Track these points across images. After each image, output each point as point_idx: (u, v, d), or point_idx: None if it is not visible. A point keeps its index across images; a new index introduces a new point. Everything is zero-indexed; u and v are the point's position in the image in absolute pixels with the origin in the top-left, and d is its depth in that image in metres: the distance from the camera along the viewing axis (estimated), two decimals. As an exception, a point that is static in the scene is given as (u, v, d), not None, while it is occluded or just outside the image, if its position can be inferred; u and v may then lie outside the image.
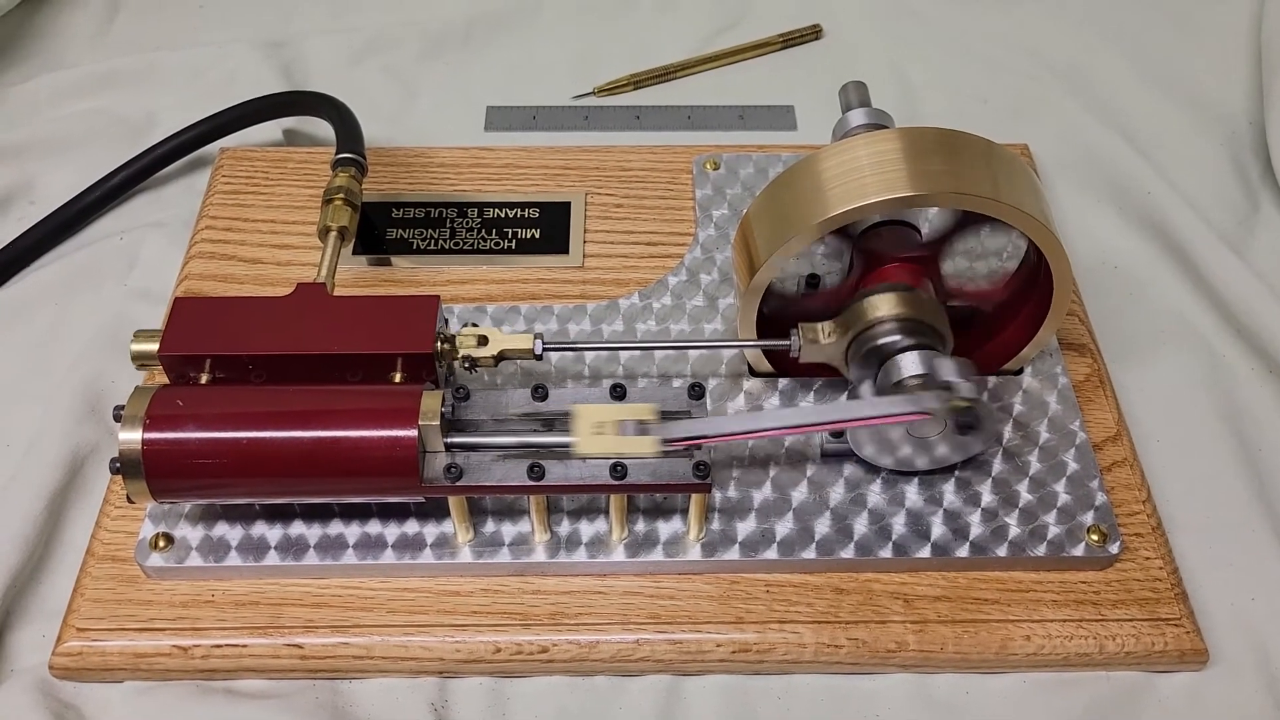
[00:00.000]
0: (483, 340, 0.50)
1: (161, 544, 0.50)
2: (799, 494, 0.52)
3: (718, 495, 0.51)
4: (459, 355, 0.50)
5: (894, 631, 0.49)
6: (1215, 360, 0.61)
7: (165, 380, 0.49)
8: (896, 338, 0.49)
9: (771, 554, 0.50)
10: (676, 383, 0.55)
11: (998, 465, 0.53)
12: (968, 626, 0.49)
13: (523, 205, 0.64)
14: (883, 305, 0.49)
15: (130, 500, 0.47)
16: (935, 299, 0.51)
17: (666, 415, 0.48)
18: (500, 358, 0.51)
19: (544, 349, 0.51)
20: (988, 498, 0.52)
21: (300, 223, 0.63)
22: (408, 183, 0.65)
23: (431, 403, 0.46)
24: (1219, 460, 0.57)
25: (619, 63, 0.77)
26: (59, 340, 0.61)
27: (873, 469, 0.52)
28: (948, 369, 0.47)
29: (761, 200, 0.50)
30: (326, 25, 0.80)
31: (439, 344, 0.49)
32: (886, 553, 0.50)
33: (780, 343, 0.51)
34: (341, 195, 0.57)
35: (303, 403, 0.47)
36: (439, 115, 0.74)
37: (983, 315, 0.55)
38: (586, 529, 0.50)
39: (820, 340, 0.51)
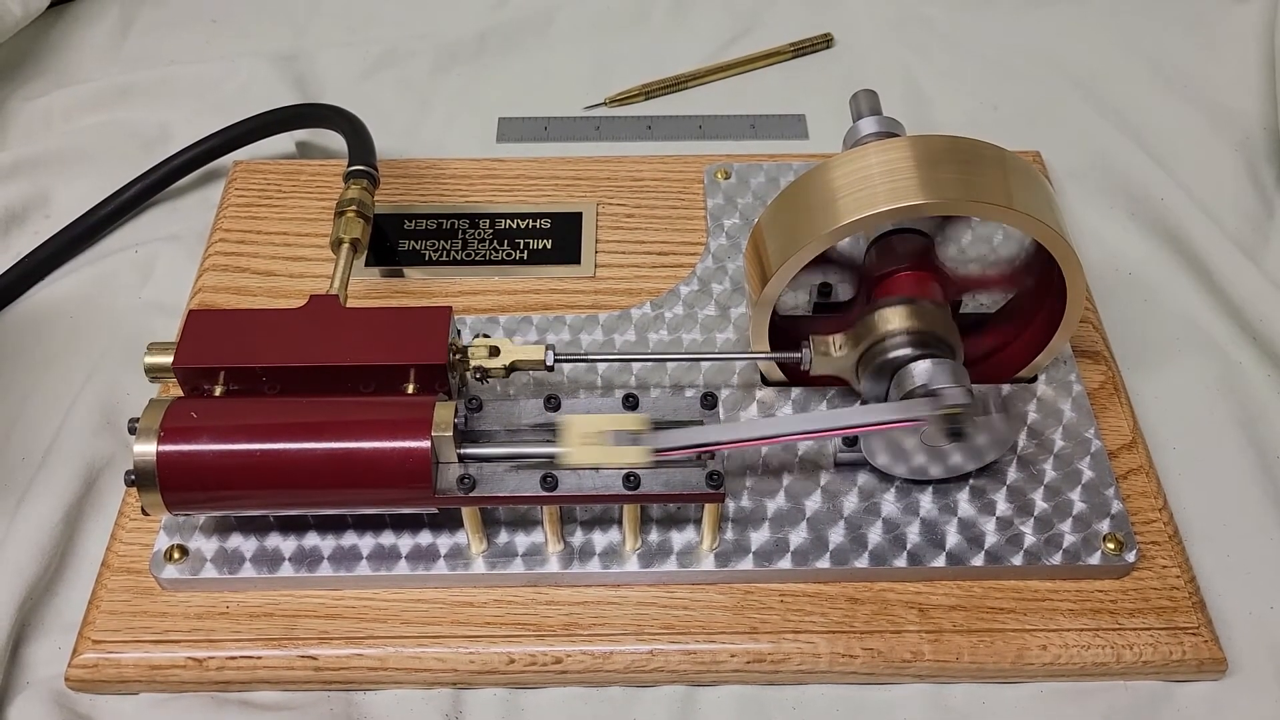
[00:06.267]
0: (494, 351, 0.50)
1: (176, 556, 0.50)
2: (813, 503, 0.51)
3: (731, 505, 0.51)
4: (470, 366, 0.50)
5: (909, 641, 0.49)
6: (1230, 366, 0.61)
7: (179, 392, 0.50)
8: (907, 350, 0.49)
9: (785, 563, 0.50)
10: (689, 392, 0.55)
11: (1012, 473, 0.52)
12: (983, 636, 0.49)
13: (534, 216, 0.64)
14: (894, 318, 0.49)
15: (145, 512, 0.47)
16: (945, 311, 0.50)
17: (666, 424, 0.48)
18: (511, 369, 0.51)
19: (555, 360, 0.51)
20: (1002, 506, 0.51)
21: (313, 235, 0.63)
22: (420, 194, 0.66)
23: (444, 414, 0.46)
24: (1235, 467, 0.56)
25: (630, 73, 0.77)
26: (74, 353, 0.61)
27: (886, 478, 0.52)
28: (956, 378, 0.47)
29: (773, 209, 0.50)
30: (339, 38, 0.80)
31: (451, 355, 0.49)
32: (901, 562, 0.50)
33: (790, 355, 0.51)
34: (354, 207, 0.57)
35: (316, 414, 0.47)
36: (451, 127, 0.75)
37: (996, 322, 0.55)
38: (600, 539, 0.50)
39: (831, 353, 0.50)
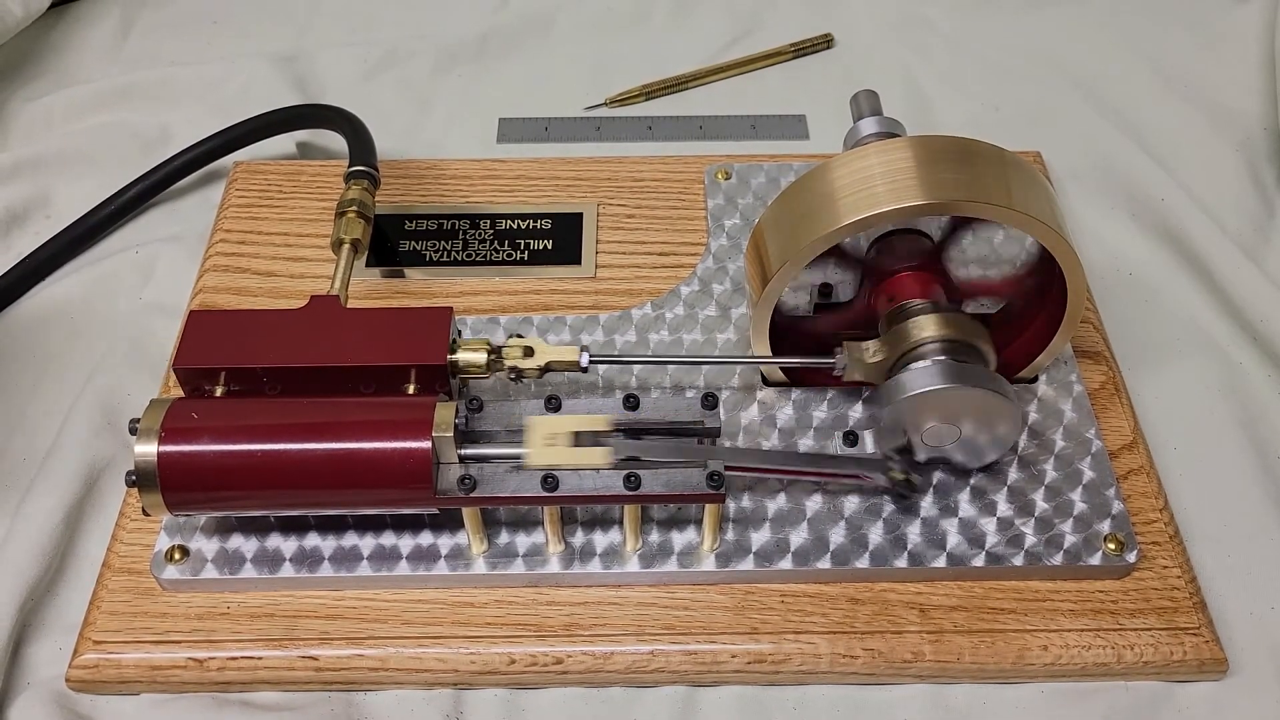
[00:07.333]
0: (529, 351, 0.50)
1: (177, 556, 0.50)
2: (813, 504, 0.51)
3: (731, 505, 0.51)
4: (505, 366, 0.50)
5: (910, 642, 0.49)
6: (1231, 367, 0.61)
7: (180, 393, 0.50)
8: (941, 359, 0.48)
9: (786, 564, 0.50)
10: (690, 393, 0.55)
11: (1013, 474, 0.52)
12: (984, 636, 0.49)
13: (535, 216, 0.64)
14: (928, 326, 0.49)
15: (145, 513, 0.47)
16: (978, 320, 0.50)
17: (628, 427, 0.48)
18: (547, 369, 0.50)
19: (590, 361, 0.50)
20: (1003, 507, 0.51)
21: (314, 235, 0.63)
22: (420, 195, 0.66)
23: (445, 414, 0.46)
24: (1236, 467, 0.56)
25: (631, 73, 0.77)
26: (75, 353, 0.61)
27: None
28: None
29: (773, 210, 0.50)
30: (340, 39, 0.80)
31: (486, 355, 0.49)
32: (902, 562, 0.50)
33: (825, 361, 0.50)
34: (354, 208, 0.57)
35: (317, 415, 0.47)
36: (451, 128, 0.75)
37: (997, 323, 0.55)
38: (600, 540, 0.50)
39: (866, 359, 0.50)
